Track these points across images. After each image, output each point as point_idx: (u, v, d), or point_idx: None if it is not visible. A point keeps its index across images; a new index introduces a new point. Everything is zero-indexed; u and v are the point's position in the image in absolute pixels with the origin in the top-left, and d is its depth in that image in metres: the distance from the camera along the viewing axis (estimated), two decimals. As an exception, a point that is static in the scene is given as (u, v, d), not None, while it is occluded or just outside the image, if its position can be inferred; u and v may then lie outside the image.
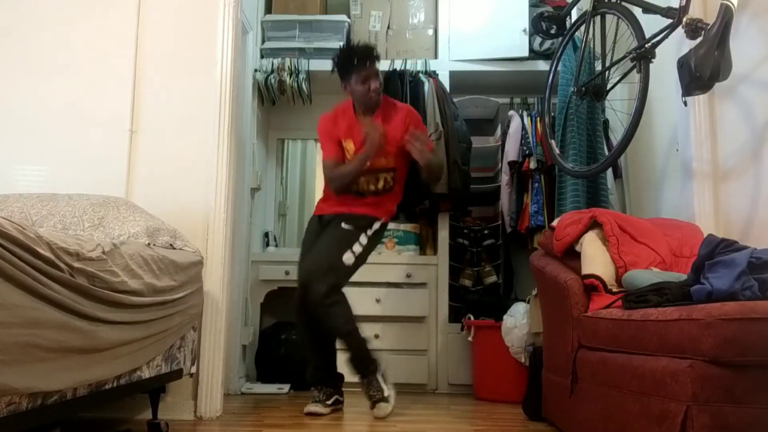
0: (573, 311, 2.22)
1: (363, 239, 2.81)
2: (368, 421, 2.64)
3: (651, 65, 2.41)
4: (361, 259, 2.80)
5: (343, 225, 2.81)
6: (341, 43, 3.20)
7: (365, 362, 2.74)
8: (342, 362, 2.84)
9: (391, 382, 2.77)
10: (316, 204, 3.09)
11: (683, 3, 2.32)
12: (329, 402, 2.81)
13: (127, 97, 2.77)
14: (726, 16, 2.17)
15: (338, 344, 2.82)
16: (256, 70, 3.77)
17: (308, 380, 2.96)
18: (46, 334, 1.35)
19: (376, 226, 2.87)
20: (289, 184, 4.34)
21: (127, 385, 1.85)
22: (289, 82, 3.78)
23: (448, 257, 3.66)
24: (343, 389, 2.92)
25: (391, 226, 3.33)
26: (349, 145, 2.89)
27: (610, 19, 2.70)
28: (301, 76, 3.79)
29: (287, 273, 3.63)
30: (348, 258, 2.75)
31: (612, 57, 2.68)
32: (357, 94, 2.87)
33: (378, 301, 3.54)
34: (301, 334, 2.96)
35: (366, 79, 2.82)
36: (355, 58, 2.82)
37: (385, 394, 2.70)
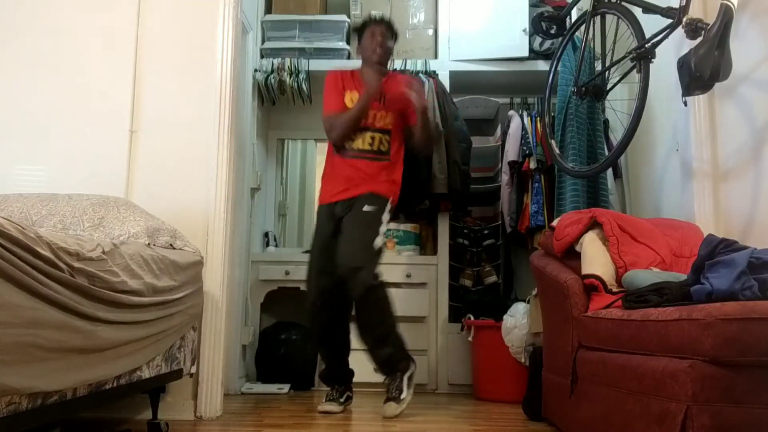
0: (573, 311, 2.22)
1: (384, 219, 2.83)
2: (368, 421, 2.64)
3: (651, 65, 2.41)
4: (385, 241, 2.85)
5: (365, 208, 2.81)
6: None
7: (397, 360, 2.72)
8: (353, 361, 2.88)
9: (414, 385, 2.75)
10: (320, 192, 3.06)
11: (683, 3, 2.32)
12: (342, 399, 2.83)
13: (127, 97, 2.77)
14: (726, 16, 2.17)
15: (371, 337, 2.72)
16: (256, 70, 3.77)
17: (323, 378, 2.93)
18: (46, 334, 1.35)
19: (389, 206, 2.89)
20: (289, 184, 4.34)
21: (127, 385, 1.85)
22: (289, 82, 3.78)
23: (448, 257, 3.66)
24: (352, 386, 2.95)
25: (391, 226, 3.33)
26: (354, 96, 2.97)
27: (610, 19, 2.70)
28: (301, 76, 3.79)
29: (287, 273, 3.63)
30: (378, 242, 2.76)
31: (612, 57, 2.68)
32: (366, 50, 3.03)
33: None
34: (316, 334, 2.89)
35: (374, 34, 3.00)
36: (372, 18, 3.08)
37: (402, 396, 2.67)
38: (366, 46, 3.02)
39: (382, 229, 2.79)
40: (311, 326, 2.94)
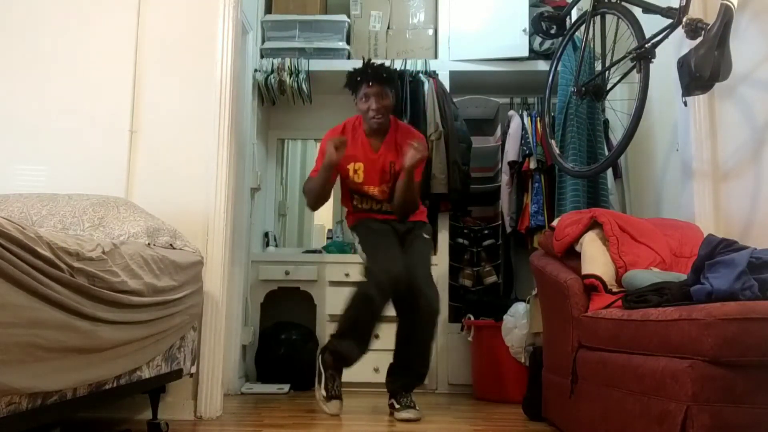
0: (573, 311, 2.22)
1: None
2: (368, 421, 2.64)
3: (651, 65, 2.41)
4: None
5: (425, 235, 2.92)
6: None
7: (421, 379, 2.82)
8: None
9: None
10: (349, 211, 3.03)
11: (683, 3, 2.32)
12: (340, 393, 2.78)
13: (127, 97, 2.77)
14: (726, 16, 2.17)
15: (414, 354, 2.79)
16: (256, 70, 3.77)
17: (343, 357, 2.75)
18: (46, 334, 1.35)
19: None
20: (289, 184, 4.34)
21: (127, 385, 1.85)
22: (289, 82, 3.78)
23: (448, 257, 3.66)
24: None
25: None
26: (359, 168, 2.86)
27: (610, 19, 2.70)
28: (301, 76, 3.79)
29: (287, 273, 3.64)
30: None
31: (612, 57, 2.68)
32: (361, 112, 2.87)
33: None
34: (364, 319, 2.70)
35: (366, 98, 2.81)
36: (357, 74, 2.82)
37: (417, 407, 2.71)
38: (359, 108, 2.84)
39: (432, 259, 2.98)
40: (365, 313, 2.69)
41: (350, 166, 2.86)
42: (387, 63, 3.32)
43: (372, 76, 2.79)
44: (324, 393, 2.73)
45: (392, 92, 2.87)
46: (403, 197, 2.81)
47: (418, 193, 2.93)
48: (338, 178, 2.93)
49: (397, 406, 2.72)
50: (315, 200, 2.89)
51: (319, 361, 2.78)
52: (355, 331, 2.71)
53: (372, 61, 2.89)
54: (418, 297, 2.71)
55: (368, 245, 2.81)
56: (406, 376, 2.81)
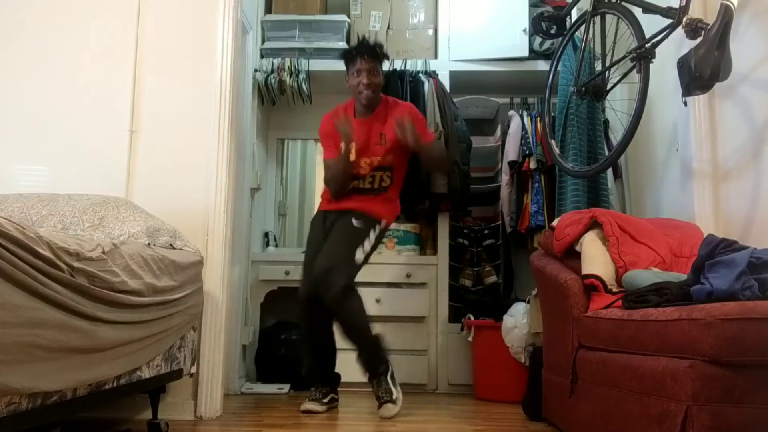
0: (573, 311, 2.22)
1: (372, 237, 2.83)
2: (367, 421, 2.64)
3: (651, 65, 2.41)
4: (367, 258, 2.83)
5: (354, 221, 2.83)
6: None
7: (377, 361, 2.75)
8: (344, 361, 2.87)
9: (399, 384, 2.78)
10: (319, 200, 3.09)
11: (683, 3, 2.32)
12: (326, 400, 2.82)
13: (127, 97, 2.77)
14: (726, 16, 2.17)
15: (349, 342, 2.77)
16: (256, 70, 3.76)
17: (306, 377, 2.97)
18: (46, 334, 1.35)
19: (380, 226, 2.89)
20: (289, 184, 4.34)
21: (127, 385, 1.85)
22: (289, 82, 3.78)
23: (448, 257, 3.66)
24: (338, 389, 2.94)
25: (391, 225, 3.33)
26: (352, 146, 2.88)
27: (610, 19, 2.70)
28: (301, 76, 3.79)
29: (287, 273, 3.63)
30: (359, 255, 2.77)
31: (612, 57, 2.68)
32: (351, 88, 2.92)
33: (378, 301, 3.54)
34: (303, 332, 2.94)
35: (358, 72, 2.86)
36: (354, 49, 2.89)
37: (394, 396, 2.70)
38: (350, 83, 2.89)
39: (367, 245, 2.81)
40: (302, 326, 2.95)
41: (342, 146, 2.87)
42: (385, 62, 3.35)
43: (366, 52, 2.85)
44: (307, 397, 2.85)
45: (383, 72, 2.96)
46: (429, 162, 2.98)
47: (437, 152, 2.99)
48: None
49: (377, 402, 2.72)
50: (341, 187, 2.92)
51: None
52: (306, 345, 2.91)
53: (362, 39, 2.95)
54: (319, 290, 2.69)
55: (304, 256, 2.95)
56: (362, 365, 2.79)
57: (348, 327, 2.74)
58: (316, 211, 3.09)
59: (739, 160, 2.55)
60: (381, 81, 2.95)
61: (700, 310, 1.51)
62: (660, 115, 3.09)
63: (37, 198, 2.23)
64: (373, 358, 2.75)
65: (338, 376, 2.95)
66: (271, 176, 4.15)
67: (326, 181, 2.95)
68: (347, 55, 2.92)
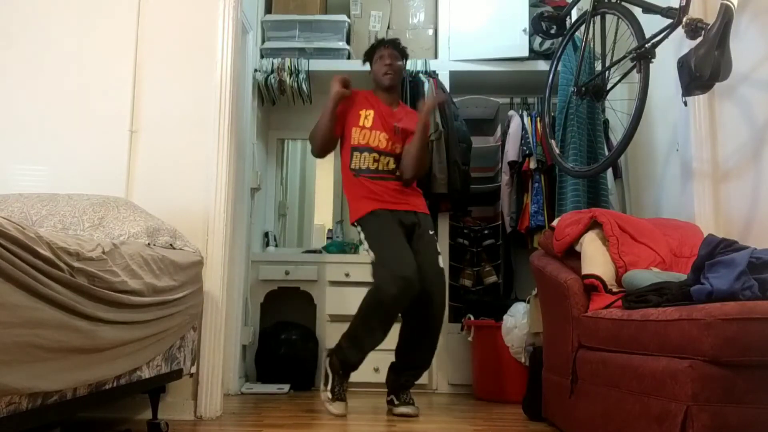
0: (573, 311, 2.22)
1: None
2: (367, 421, 2.64)
3: (651, 65, 2.41)
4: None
5: (431, 232, 2.94)
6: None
7: (418, 378, 2.91)
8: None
9: None
10: (354, 208, 2.92)
11: (683, 3, 2.32)
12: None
13: (127, 97, 2.77)
14: (726, 16, 2.17)
15: (421, 353, 2.87)
16: (256, 70, 3.77)
17: (352, 364, 2.75)
18: (46, 334, 1.35)
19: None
20: (289, 184, 4.34)
21: (127, 385, 1.85)
22: (289, 82, 3.78)
23: (448, 257, 3.66)
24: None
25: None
26: (369, 114, 2.95)
27: (610, 19, 2.70)
28: (301, 76, 3.79)
29: (287, 273, 3.63)
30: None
31: (612, 57, 2.68)
32: (375, 73, 3.02)
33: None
34: (377, 325, 2.70)
35: (381, 57, 3.00)
36: (382, 40, 3.08)
37: (416, 404, 2.82)
38: (376, 69, 3.02)
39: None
40: (381, 317, 2.69)
41: (362, 112, 2.96)
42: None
43: (388, 43, 3.06)
44: (329, 395, 2.72)
45: (404, 64, 3.11)
46: (415, 154, 2.87)
47: (426, 157, 3.07)
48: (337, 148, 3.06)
49: (396, 402, 2.77)
50: (321, 139, 2.95)
51: (327, 363, 2.78)
52: (365, 338, 2.71)
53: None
54: (428, 302, 2.76)
55: (377, 243, 2.76)
56: (408, 375, 2.85)
57: (435, 344, 2.87)
58: (367, 212, 2.85)
59: (739, 160, 2.55)
60: (402, 68, 3.07)
61: (700, 310, 1.51)
62: (660, 115, 3.09)
63: (37, 198, 2.23)
64: (421, 374, 2.91)
65: None
66: (271, 176, 4.15)
67: (311, 135, 3.02)
68: (372, 47, 3.08)
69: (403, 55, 3.07)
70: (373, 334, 2.70)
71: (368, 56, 3.08)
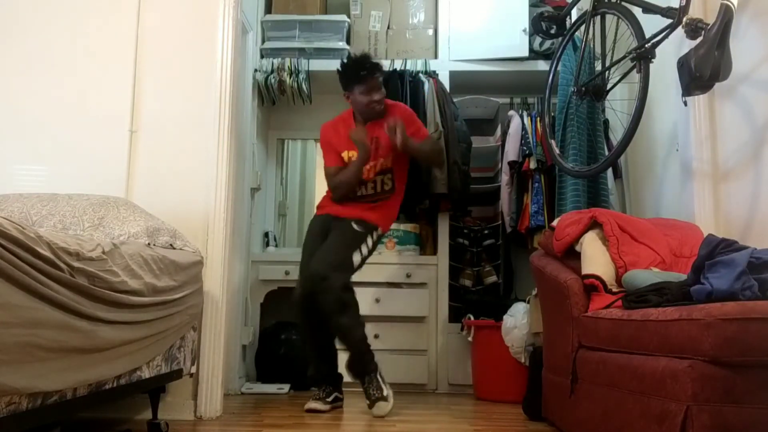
0: (573, 311, 2.22)
1: (369, 242, 2.88)
2: (367, 421, 2.64)
3: (651, 65, 2.41)
4: (363, 263, 2.87)
5: (354, 225, 2.87)
6: (344, 56, 3.37)
7: (366, 362, 2.77)
8: (343, 361, 2.86)
9: (389, 382, 2.80)
10: (317, 204, 3.11)
11: (683, 3, 2.32)
12: (329, 399, 2.83)
13: (127, 97, 2.77)
14: (726, 16, 2.17)
15: (342, 343, 2.83)
16: (256, 70, 3.77)
17: (309, 379, 2.99)
18: (46, 334, 1.35)
19: (378, 233, 2.94)
20: (289, 184, 4.34)
21: (127, 385, 1.85)
22: (289, 82, 3.78)
23: (448, 257, 3.66)
24: (342, 389, 2.94)
25: (391, 227, 3.33)
26: (353, 155, 2.93)
27: (610, 19, 2.70)
28: (301, 76, 3.79)
29: (287, 273, 3.63)
30: (356, 258, 2.81)
31: (612, 57, 2.68)
32: (359, 105, 2.93)
33: (378, 301, 3.54)
34: (303, 333, 2.97)
35: (369, 90, 2.89)
36: (358, 70, 2.88)
37: (385, 393, 2.72)
38: (358, 100, 2.90)
39: (364, 249, 2.85)
40: (301, 327, 2.99)
41: (344, 154, 2.95)
42: (385, 62, 3.57)
43: (370, 70, 2.89)
44: (311, 397, 2.86)
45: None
46: (421, 160, 3.06)
47: (429, 147, 3.04)
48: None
49: (368, 402, 2.74)
50: (349, 193, 2.96)
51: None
52: (306, 343, 2.95)
53: (362, 55, 2.97)
54: (316, 291, 2.72)
55: (301, 258, 2.95)
56: (349, 366, 2.82)
57: (341, 329, 2.76)
58: (314, 214, 3.10)
59: (739, 160, 2.55)
60: (384, 92, 2.98)
61: (700, 310, 1.51)
62: (660, 115, 3.09)
63: (37, 198, 2.23)
64: (365, 358, 2.78)
65: (341, 375, 2.95)
66: (271, 176, 4.15)
67: (334, 187, 2.98)
68: (350, 76, 2.89)
69: (382, 72, 2.98)
70: (306, 337, 2.92)
71: (347, 81, 2.90)
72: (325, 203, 3.05)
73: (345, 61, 3.01)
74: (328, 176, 2.99)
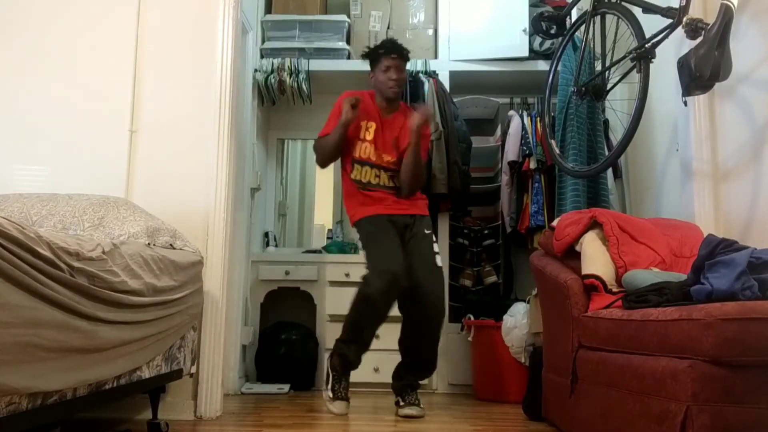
0: (573, 311, 2.22)
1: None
2: (368, 421, 2.64)
3: (651, 65, 2.41)
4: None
5: (425, 231, 2.94)
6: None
7: (428, 376, 2.95)
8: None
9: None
10: (352, 212, 2.99)
11: (683, 3, 2.32)
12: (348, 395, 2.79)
13: (127, 97, 2.77)
14: (726, 16, 2.17)
15: (422, 352, 2.86)
16: (256, 70, 3.77)
17: (343, 361, 2.79)
18: (46, 334, 1.35)
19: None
20: (289, 184, 4.34)
21: (127, 385, 1.85)
22: (289, 82, 3.78)
23: (448, 257, 3.66)
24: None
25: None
26: (372, 127, 2.95)
27: (610, 19, 2.70)
28: (301, 76, 3.79)
29: (287, 273, 3.64)
30: (439, 262, 2.92)
31: (612, 57, 2.68)
32: (379, 83, 2.97)
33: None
34: (367, 323, 2.77)
35: (389, 68, 2.94)
36: (386, 47, 2.98)
37: (421, 405, 2.80)
38: (379, 78, 2.96)
39: (437, 250, 2.96)
40: (369, 313, 2.74)
41: (363, 123, 2.96)
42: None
43: (396, 50, 2.97)
44: (330, 394, 2.77)
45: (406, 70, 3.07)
46: (411, 171, 2.90)
47: (422, 169, 3.03)
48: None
49: (402, 403, 2.77)
50: (327, 156, 2.98)
51: (328, 364, 2.84)
52: (359, 334, 2.78)
53: (390, 39, 3.11)
54: (422, 297, 2.77)
55: (369, 243, 2.86)
56: (413, 376, 2.86)
57: (436, 341, 2.86)
58: (363, 216, 2.92)
59: (739, 160, 2.55)
60: (405, 79, 3.06)
61: (700, 310, 1.51)
62: (660, 115, 3.09)
63: (37, 198, 2.23)
64: (427, 375, 2.95)
65: None
66: (271, 176, 4.15)
67: (317, 146, 3.00)
68: (376, 53, 2.99)
69: (407, 61, 3.04)
70: (365, 328, 2.79)
71: (372, 58, 3.00)
72: (366, 209, 2.93)
73: (375, 43, 3.11)
74: (316, 141, 3.01)
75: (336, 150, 2.94)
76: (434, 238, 2.97)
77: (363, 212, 2.94)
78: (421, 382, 2.91)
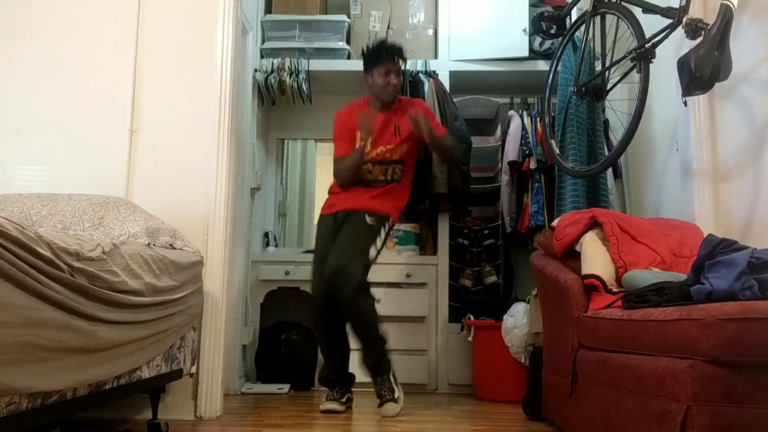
0: (573, 311, 2.22)
1: (382, 234, 2.87)
2: (368, 421, 2.64)
3: (651, 65, 2.41)
4: (378, 255, 2.85)
5: (367, 218, 2.85)
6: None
7: (382, 361, 2.78)
8: (353, 361, 2.90)
9: (399, 384, 2.81)
10: (323, 204, 3.07)
11: (683, 3, 2.32)
12: (344, 400, 2.83)
13: (128, 97, 2.77)
14: (726, 16, 2.17)
15: (358, 341, 2.81)
16: (256, 70, 3.77)
17: (322, 380, 2.95)
18: (46, 334, 1.35)
19: (389, 223, 2.94)
20: (289, 184, 4.34)
21: (127, 385, 1.85)
22: (289, 82, 3.78)
23: (448, 257, 3.66)
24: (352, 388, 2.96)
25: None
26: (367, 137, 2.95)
27: (610, 19, 2.70)
28: (301, 76, 3.79)
29: (287, 273, 3.63)
30: (372, 252, 2.81)
31: (612, 57, 2.68)
32: (376, 87, 2.98)
33: (378, 301, 3.51)
34: (319, 333, 2.94)
35: (387, 72, 2.95)
36: (383, 51, 2.97)
37: (396, 395, 2.74)
38: (376, 82, 2.96)
39: (378, 242, 2.84)
40: (316, 329, 2.98)
41: (358, 135, 2.95)
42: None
43: (393, 54, 2.98)
44: (325, 398, 2.85)
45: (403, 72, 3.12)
46: (441, 154, 3.12)
47: (450, 143, 3.08)
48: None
49: (378, 401, 2.75)
50: (350, 179, 2.96)
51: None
52: (322, 343, 2.95)
53: (386, 40, 3.11)
54: (331, 289, 2.71)
55: (313, 259, 2.95)
56: (363, 360, 2.83)
57: (360, 326, 2.76)
58: (320, 213, 3.06)
59: (739, 160, 2.55)
60: (402, 83, 3.10)
61: (700, 310, 1.51)
62: (660, 115, 3.09)
63: (37, 198, 2.23)
64: (380, 357, 2.78)
65: (353, 376, 2.95)
66: (271, 176, 4.15)
67: (337, 172, 2.98)
68: (372, 56, 2.98)
69: (405, 61, 3.05)
70: (322, 338, 2.92)
71: (369, 62, 2.99)
72: (333, 201, 3.01)
73: (371, 43, 3.08)
74: (335, 164, 3.00)
75: (358, 171, 2.94)
76: (380, 232, 2.85)
77: (322, 210, 3.04)
78: (417, 383, 2.89)
